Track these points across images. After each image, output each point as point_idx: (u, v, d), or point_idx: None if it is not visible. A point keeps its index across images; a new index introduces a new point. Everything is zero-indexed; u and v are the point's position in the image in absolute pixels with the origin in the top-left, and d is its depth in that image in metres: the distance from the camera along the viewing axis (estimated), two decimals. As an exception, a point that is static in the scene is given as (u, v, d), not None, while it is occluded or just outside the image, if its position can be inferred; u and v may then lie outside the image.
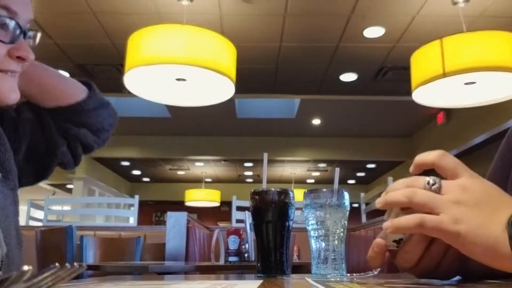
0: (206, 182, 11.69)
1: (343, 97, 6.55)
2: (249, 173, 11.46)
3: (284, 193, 0.85)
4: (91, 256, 2.85)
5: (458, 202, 0.51)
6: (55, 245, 2.67)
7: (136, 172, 11.38)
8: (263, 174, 0.91)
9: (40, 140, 0.94)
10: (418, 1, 4.18)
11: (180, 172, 11.41)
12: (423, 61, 3.15)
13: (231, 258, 2.43)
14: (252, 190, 0.87)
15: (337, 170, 0.91)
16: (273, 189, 0.86)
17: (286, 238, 0.86)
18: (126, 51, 3.02)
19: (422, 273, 0.58)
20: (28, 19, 0.81)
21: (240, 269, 2.50)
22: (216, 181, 12.19)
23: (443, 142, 6.97)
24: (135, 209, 4.44)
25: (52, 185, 10.05)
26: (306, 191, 0.88)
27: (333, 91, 6.44)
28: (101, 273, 2.45)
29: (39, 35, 0.84)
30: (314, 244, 0.86)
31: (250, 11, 4.41)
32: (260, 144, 8.66)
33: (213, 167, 10.87)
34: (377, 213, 3.33)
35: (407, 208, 0.55)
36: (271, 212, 0.85)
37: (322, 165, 10.29)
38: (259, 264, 0.85)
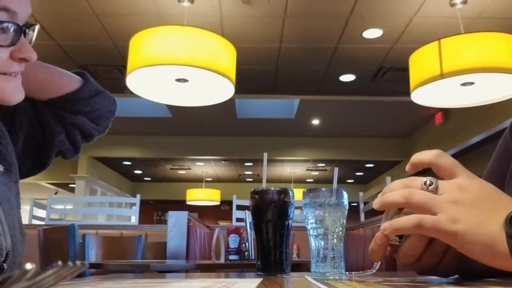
0: (206, 181, 11.69)
1: (342, 97, 6.56)
2: (249, 172, 11.46)
3: (284, 192, 0.86)
4: (93, 255, 2.87)
5: (456, 202, 0.51)
6: (57, 243, 2.68)
7: (138, 172, 11.37)
8: (263, 173, 0.91)
9: (37, 129, 0.94)
10: (416, 3, 4.19)
11: (181, 172, 11.41)
12: (421, 62, 3.16)
13: (232, 257, 2.44)
14: (252, 190, 0.87)
15: (336, 169, 0.91)
16: (272, 189, 0.86)
17: (285, 236, 0.86)
18: (127, 53, 3.04)
19: (423, 269, 0.58)
20: (27, 14, 0.79)
21: (240, 268, 2.51)
22: (217, 181, 12.19)
23: (441, 142, 6.98)
24: (136, 208, 4.46)
25: (54, 184, 10.05)
26: (305, 191, 0.88)
27: (332, 92, 6.44)
28: (103, 272, 2.46)
29: (37, 28, 0.82)
30: (313, 243, 0.86)
31: (250, 13, 4.42)
32: (260, 144, 8.66)
33: (214, 167, 10.87)
34: (376, 212, 3.35)
35: (404, 209, 0.56)
36: (271, 211, 0.85)
37: (321, 164, 10.29)
38: (259, 263, 0.86)
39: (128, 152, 9.03)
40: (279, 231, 0.86)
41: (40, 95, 0.95)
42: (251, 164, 10.35)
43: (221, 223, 9.56)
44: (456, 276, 0.63)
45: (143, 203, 4.74)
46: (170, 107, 6.80)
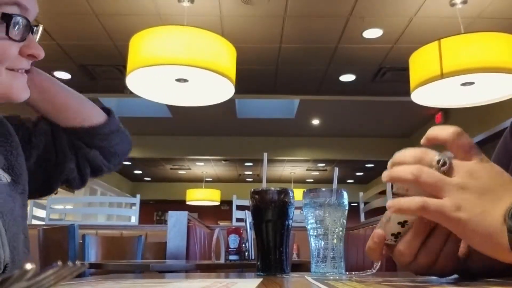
0: (206, 181, 11.69)
1: (342, 97, 6.56)
2: (249, 172, 11.47)
3: (284, 192, 0.86)
4: (93, 255, 2.87)
5: (463, 188, 0.50)
6: (57, 243, 2.69)
7: (138, 172, 11.38)
8: (263, 173, 0.91)
9: (51, 153, 0.93)
10: (416, 3, 4.19)
11: (181, 172, 11.42)
12: (421, 62, 3.17)
13: (232, 257, 2.45)
14: (252, 190, 0.87)
15: (336, 169, 0.91)
16: (272, 189, 0.86)
17: (285, 237, 0.86)
18: (127, 52, 3.04)
19: (419, 269, 0.58)
20: (35, 13, 0.80)
21: (240, 268, 2.51)
22: (217, 181, 12.20)
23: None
24: (136, 208, 4.46)
25: (53, 184, 10.05)
26: (305, 191, 0.88)
27: (332, 92, 6.44)
28: (103, 272, 2.47)
29: (41, 28, 0.83)
30: (313, 243, 0.86)
31: (250, 13, 4.42)
32: (260, 144, 8.66)
33: (214, 167, 10.88)
34: (376, 212, 3.35)
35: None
36: (271, 211, 0.85)
37: (321, 164, 10.30)
38: (259, 263, 0.86)
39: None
40: (279, 231, 0.86)
41: (60, 120, 0.94)
42: (251, 164, 10.35)
43: (221, 223, 9.57)
44: (456, 276, 0.63)
45: (143, 203, 4.74)
46: (170, 107, 6.80)
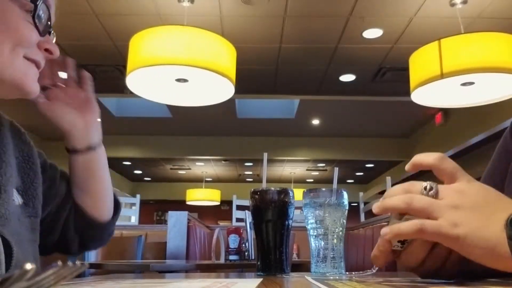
0: (206, 181, 11.69)
1: (342, 97, 6.56)
2: (249, 172, 11.47)
3: (284, 192, 0.86)
4: (93, 255, 2.87)
5: (456, 207, 0.51)
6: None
7: (138, 172, 11.38)
8: (263, 173, 0.92)
9: (53, 206, 0.90)
10: (416, 3, 4.19)
11: (181, 172, 11.42)
12: (421, 62, 3.16)
13: (232, 257, 2.45)
14: (252, 190, 0.87)
15: (336, 169, 0.92)
16: (272, 189, 0.86)
17: (285, 237, 0.86)
18: (127, 52, 3.04)
19: (425, 273, 0.59)
20: (53, 20, 0.81)
21: (240, 268, 2.51)
22: (217, 181, 12.20)
23: (441, 142, 6.98)
24: (136, 208, 4.46)
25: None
26: (305, 191, 0.88)
27: (332, 92, 6.45)
28: (103, 272, 2.47)
29: (55, 37, 0.84)
30: (313, 243, 0.87)
31: (250, 13, 4.42)
32: (260, 144, 8.66)
33: (214, 167, 10.88)
34: (376, 213, 3.35)
35: (405, 214, 0.56)
36: (271, 211, 0.85)
37: (321, 164, 10.30)
38: (259, 263, 0.86)
39: (128, 152, 9.04)
40: (279, 231, 0.86)
41: (82, 201, 0.92)
42: (251, 164, 10.35)
43: (221, 223, 9.57)
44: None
45: (143, 203, 4.74)
46: (170, 107, 6.80)
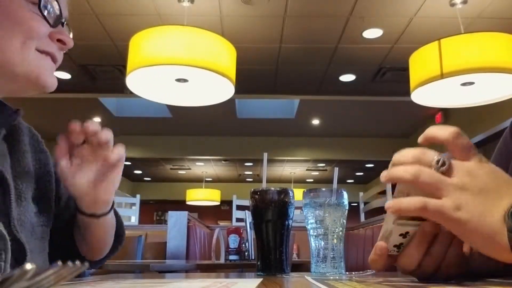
0: (206, 181, 11.69)
1: (342, 97, 6.56)
2: (249, 172, 11.47)
3: (284, 192, 0.86)
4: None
5: (463, 188, 0.50)
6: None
7: (138, 172, 11.38)
8: (263, 173, 0.92)
9: (63, 225, 0.88)
10: (416, 3, 4.19)
11: (181, 172, 11.42)
12: (421, 62, 3.16)
13: (232, 257, 2.45)
14: (252, 190, 0.87)
15: (336, 169, 0.92)
16: (272, 189, 0.86)
17: (285, 236, 0.86)
18: (127, 53, 3.04)
19: (423, 276, 0.59)
20: (66, 14, 0.80)
21: (240, 268, 2.51)
22: (217, 181, 12.20)
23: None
24: (136, 208, 4.46)
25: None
26: (305, 191, 0.88)
27: (332, 92, 6.45)
28: (102, 272, 2.46)
29: (71, 32, 0.83)
30: (313, 243, 0.87)
31: (250, 13, 4.42)
32: (260, 144, 8.66)
33: (214, 167, 10.88)
34: (376, 213, 3.35)
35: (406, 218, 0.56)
36: (271, 211, 0.85)
37: (321, 164, 10.30)
38: (259, 263, 0.86)
39: (128, 152, 8.83)
40: (279, 231, 0.86)
41: (78, 241, 0.88)
42: (251, 164, 10.35)
43: (221, 223, 9.57)
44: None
45: (143, 203, 4.74)
46: (170, 107, 6.80)
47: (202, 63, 2.84)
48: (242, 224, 3.01)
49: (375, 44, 5.03)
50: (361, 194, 4.65)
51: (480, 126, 5.59)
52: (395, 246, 0.58)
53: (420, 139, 0.56)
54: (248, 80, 5.83)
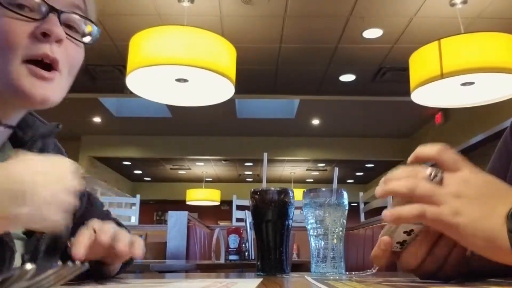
0: (206, 181, 11.69)
1: (342, 97, 6.56)
2: (249, 172, 11.46)
3: (284, 192, 0.86)
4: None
5: (459, 195, 0.51)
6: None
7: (138, 172, 11.38)
8: (263, 173, 0.92)
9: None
10: (416, 3, 4.19)
11: (181, 172, 11.41)
12: (421, 62, 3.16)
13: (232, 257, 2.45)
14: (252, 190, 0.87)
15: (336, 169, 0.92)
16: (272, 189, 0.86)
17: (285, 236, 0.86)
18: (127, 52, 3.04)
19: (424, 274, 0.59)
20: (68, 1, 0.67)
21: (240, 268, 2.51)
22: (217, 181, 12.19)
23: (441, 142, 6.93)
24: (136, 208, 4.46)
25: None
26: (305, 191, 0.88)
27: (332, 92, 6.45)
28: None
29: (94, 28, 0.71)
30: (313, 243, 0.87)
31: (250, 13, 4.42)
32: (260, 144, 8.66)
33: (214, 167, 10.88)
34: (376, 212, 3.35)
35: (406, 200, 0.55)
36: (271, 211, 0.86)
37: (321, 164, 10.30)
38: (259, 263, 0.86)
39: (128, 152, 9.04)
40: (279, 231, 0.86)
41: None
42: (251, 164, 10.35)
43: (221, 223, 9.56)
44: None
45: (143, 203, 4.74)
46: (170, 107, 6.80)
47: (202, 63, 2.84)
48: (242, 224, 3.01)
49: (375, 44, 5.03)
50: (361, 194, 4.65)
51: (480, 126, 5.59)
52: (398, 243, 0.58)
53: (410, 158, 0.58)
54: (248, 80, 5.83)
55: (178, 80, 3.07)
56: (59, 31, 0.64)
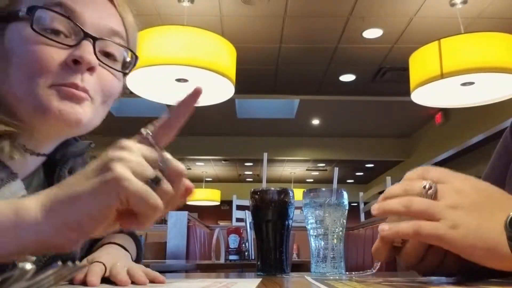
0: (206, 181, 11.69)
1: (342, 97, 6.56)
2: (249, 172, 11.46)
3: (284, 192, 0.86)
4: (92, 255, 2.86)
5: (455, 207, 0.51)
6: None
7: (137, 172, 11.38)
8: (263, 173, 0.92)
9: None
10: (416, 3, 4.19)
11: (180, 172, 11.42)
12: (421, 62, 3.16)
13: (232, 257, 2.45)
14: (252, 190, 0.87)
15: (336, 169, 0.92)
16: (272, 189, 0.86)
17: (285, 236, 0.86)
18: (127, 52, 3.04)
19: (426, 269, 0.59)
20: (106, 28, 0.67)
21: (240, 268, 2.51)
22: (217, 181, 12.19)
23: (441, 142, 6.98)
24: (136, 209, 4.45)
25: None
26: (305, 191, 0.89)
27: (332, 92, 6.45)
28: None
29: (133, 57, 0.69)
30: (313, 243, 0.87)
31: (250, 13, 4.42)
32: (260, 144, 8.66)
33: (214, 167, 10.88)
34: (376, 213, 3.34)
35: None
36: (271, 211, 0.86)
37: (321, 164, 10.30)
38: (259, 263, 0.86)
39: (128, 152, 9.03)
40: (279, 231, 0.86)
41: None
42: (251, 164, 10.35)
43: (221, 223, 9.56)
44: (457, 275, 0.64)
45: (143, 203, 4.73)
46: (170, 107, 6.79)
47: (202, 63, 2.84)
48: (242, 224, 3.01)
49: (375, 44, 5.03)
50: (361, 194, 4.65)
51: (480, 126, 5.59)
52: None
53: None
54: (248, 80, 5.83)
55: (178, 80, 3.08)
56: (91, 58, 0.62)
